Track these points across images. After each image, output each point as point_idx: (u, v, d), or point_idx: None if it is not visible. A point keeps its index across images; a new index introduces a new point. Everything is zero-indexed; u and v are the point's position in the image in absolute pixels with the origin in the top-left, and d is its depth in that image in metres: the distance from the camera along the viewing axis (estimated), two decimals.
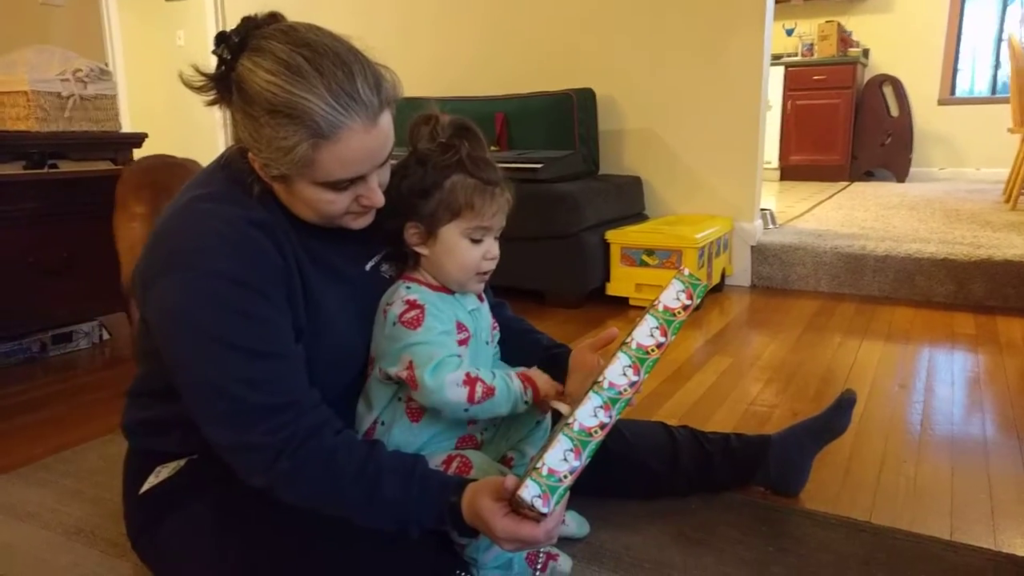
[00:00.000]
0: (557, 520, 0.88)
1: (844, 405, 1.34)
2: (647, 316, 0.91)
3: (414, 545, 0.95)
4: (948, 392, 1.88)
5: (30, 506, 1.35)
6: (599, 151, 3.26)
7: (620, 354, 0.89)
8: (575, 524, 1.21)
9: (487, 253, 1.08)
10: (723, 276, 3.10)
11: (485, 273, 1.10)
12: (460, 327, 1.09)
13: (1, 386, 2.04)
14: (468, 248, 1.06)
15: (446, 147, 1.04)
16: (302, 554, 0.91)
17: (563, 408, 1.03)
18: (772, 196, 4.84)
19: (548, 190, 2.75)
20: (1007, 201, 4.26)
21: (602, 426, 0.86)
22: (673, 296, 0.92)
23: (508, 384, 1.03)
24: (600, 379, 0.88)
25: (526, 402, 1.05)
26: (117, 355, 2.35)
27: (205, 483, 1.01)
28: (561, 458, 0.83)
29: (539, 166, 2.82)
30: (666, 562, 1.15)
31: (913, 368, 2.08)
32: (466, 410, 1.01)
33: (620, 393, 0.87)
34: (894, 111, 5.84)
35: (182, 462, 1.06)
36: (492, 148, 3.09)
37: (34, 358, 2.27)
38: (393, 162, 1.03)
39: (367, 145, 0.91)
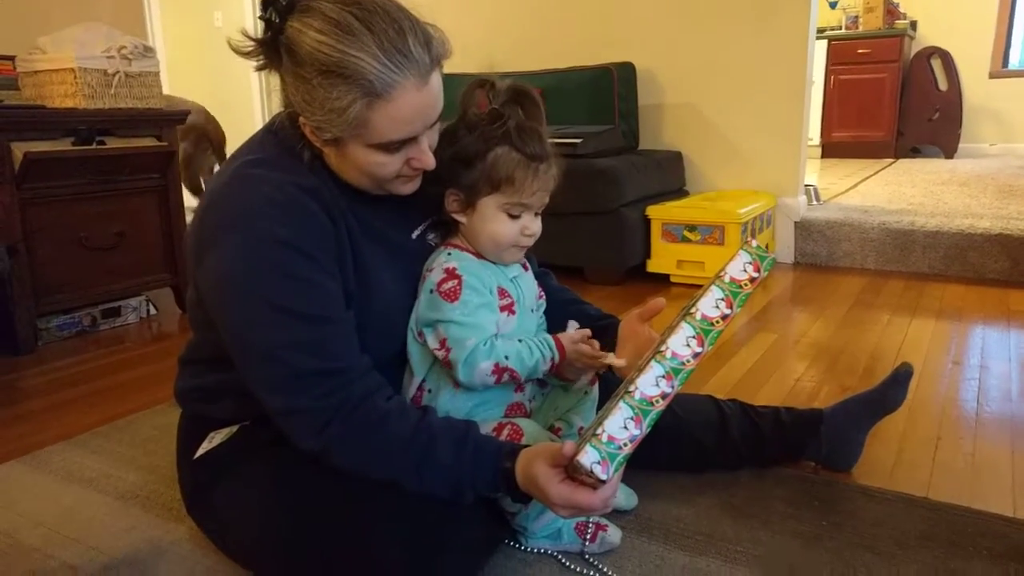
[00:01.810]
0: (613, 488, 0.87)
1: (900, 379, 1.31)
2: (712, 287, 0.89)
3: (465, 512, 0.95)
4: (1004, 369, 1.82)
5: (87, 472, 1.38)
6: (639, 126, 3.21)
7: (684, 324, 0.87)
8: (623, 496, 1.20)
9: (525, 229, 1.06)
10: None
11: (521, 246, 1.09)
12: (502, 293, 1.08)
13: (54, 359, 2.08)
14: (505, 222, 1.05)
15: (496, 115, 1.02)
16: (354, 518, 0.91)
17: (615, 361, 1.05)
18: (815, 173, 4.74)
19: (588, 165, 2.72)
20: None
21: (664, 396, 0.84)
22: (740, 268, 0.89)
23: (536, 366, 1.04)
24: (663, 348, 0.86)
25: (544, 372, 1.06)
26: (164, 330, 2.39)
27: (258, 448, 1.02)
28: (621, 425, 0.82)
29: (578, 141, 2.80)
30: (717, 535, 1.14)
31: (967, 345, 2.02)
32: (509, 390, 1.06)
33: (683, 364, 0.86)
34: (943, 85, 5.66)
35: (235, 428, 1.07)
36: None
37: (85, 332, 2.32)
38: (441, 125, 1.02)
39: (419, 104, 0.90)
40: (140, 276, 2.42)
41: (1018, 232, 2.68)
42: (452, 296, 1.03)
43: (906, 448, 1.42)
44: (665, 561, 1.07)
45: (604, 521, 1.10)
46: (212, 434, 1.08)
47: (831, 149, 5.93)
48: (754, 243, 0.92)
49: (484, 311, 1.04)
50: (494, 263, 1.09)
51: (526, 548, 1.09)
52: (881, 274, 2.88)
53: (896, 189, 3.91)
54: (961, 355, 1.94)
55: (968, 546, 1.09)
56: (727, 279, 0.89)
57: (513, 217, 1.05)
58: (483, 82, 1.05)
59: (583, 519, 1.08)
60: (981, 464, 1.36)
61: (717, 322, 0.88)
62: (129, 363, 2.05)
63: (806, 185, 3.28)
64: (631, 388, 0.84)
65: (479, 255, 1.08)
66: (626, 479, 1.18)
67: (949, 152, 5.74)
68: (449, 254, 1.07)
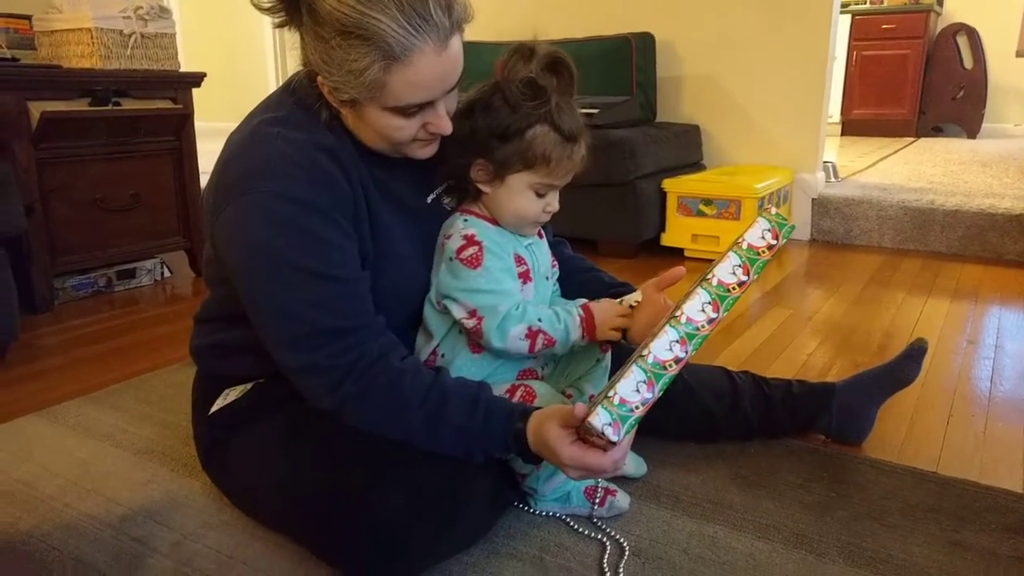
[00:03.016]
0: (624, 450, 0.88)
1: (915, 354, 1.30)
2: (730, 253, 0.88)
3: (476, 472, 0.96)
4: (1019, 349, 1.81)
5: (104, 427, 1.40)
6: (657, 97, 3.18)
7: (700, 290, 0.87)
8: (633, 464, 1.20)
9: (547, 206, 1.06)
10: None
11: (540, 223, 1.09)
12: (519, 260, 1.08)
13: (71, 318, 2.11)
14: (531, 200, 1.05)
15: (537, 91, 0.99)
16: (365, 475, 0.92)
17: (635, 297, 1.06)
18: (833, 150, 4.68)
19: (604, 136, 2.69)
20: None
21: (677, 360, 0.84)
22: (758, 235, 0.88)
23: (568, 332, 1.05)
24: (678, 313, 0.86)
25: (580, 343, 1.06)
26: (178, 293, 2.41)
27: (273, 404, 1.03)
28: (634, 388, 0.82)
29: (595, 111, 2.77)
30: (725, 503, 1.14)
31: (982, 325, 2.00)
32: (524, 356, 1.05)
33: (698, 329, 0.85)
34: (968, 63, 5.56)
35: (250, 385, 1.08)
36: None
37: (100, 292, 2.34)
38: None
39: (438, 68, 0.89)
40: (155, 238, 2.43)
41: None
42: (474, 263, 1.02)
43: (917, 424, 1.42)
44: (672, 527, 1.08)
45: (613, 486, 1.11)
46: (227, 391, 1.09)
47: (851, 126, 5.85)
48: (773, 210, 0.91)
49: (507, 276, 1.04)
50: (510, 232, 1.09)
51: (536, 511, 1.10)
52: (898, 253, 2.85)
53: (916, 168, 3.86)
54: (976, 335, 1.92)
55: (976, 520, 1.09)
56: (745, 246, 0.89)
57: (539, 195, 1.05)
58: (527, 52, 1.02)
59: (592, 483, 1.09)
60: (992, 441, 1.35)
61: (733, 288, 0.88)
62: (144, 323, 2.07)
63: (824, 162, 3.25)
64: (644, 352, 0.84)
65: (495, 222, 1.08)
66: (636, 447, 1.19)
67: (972, 132, 5.65)
68: (466, 220, 1.07)
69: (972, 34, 5.51)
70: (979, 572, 0.98)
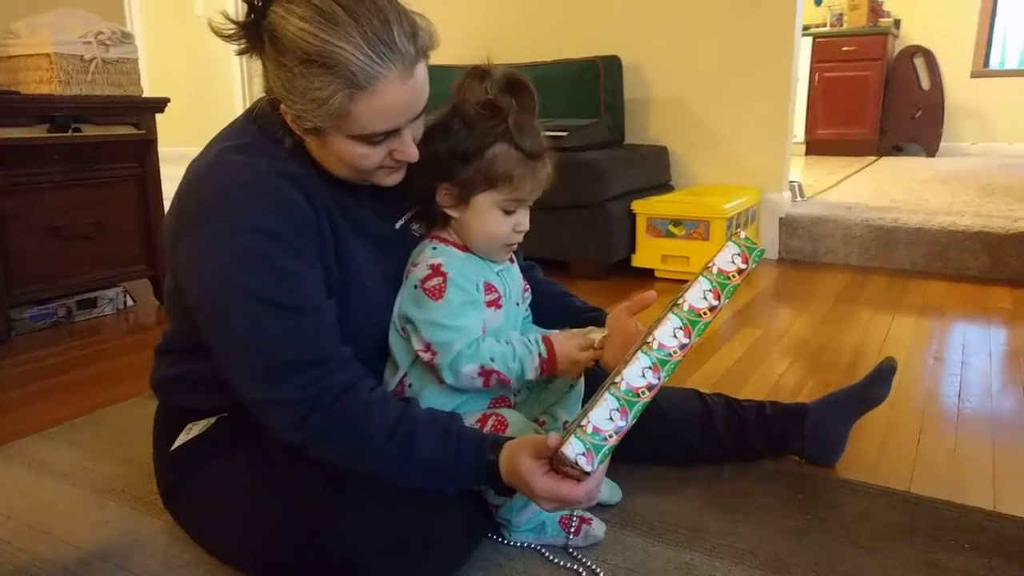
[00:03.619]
0: (598, 480, 0.86)
1: (884, 374, 1.30)
2: (700, 278, 0.88)
3: (448, 505, 0.94)
4: (985, 365, 1.84)
5: (61, 464, 1.35)
6: (625, 120, 3.20)
7: (671, 315, 0.86)
8: (608, 491, 1.19)
9: (517, 225, 1.05)
10: None
11: (512, 245, 1.07)
12: (489, 288, 1.07)
13: (28, 350, 2.04)
14: (499, 219, 1.03)
15: (494, 110, 0.99)
16: (333, 511, 0.89)
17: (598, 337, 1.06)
18: (799, 170, 4.76)
19: (573, 158, 2.70)
20: None
21: (650, 387, 0.83)
22: (728, 259, 0.88)
23: (523, 370, 1.03)
24: (649, 340, 0.85)
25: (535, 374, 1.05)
26: (141, 321, 2.35)
27: (236, 439, 1.00)
28: (607, 417, 0.81)
29: (564, 134, 2.78)
30: (701, 528, 1.13)
31: (948, 341, 2.03)
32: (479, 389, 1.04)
33: (670, 355, 0.85)
34: (925, 84, 5.71)
35: (213, 419, 1.05)
36: None
37: (60, 323, 2.28)
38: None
39: (403, 97, 0.88)
40: (117, 267, 2.38)
41: (998, 230, 2.70)
42: (436, 294, 1.01)
43: (889, 443, 1.42)
44: (649, 555, 1.06)
45: (588, 515, 1.09)
46: (190, 425, 1.06)
47: (815, 146, 5.96)
48: (743, 234, 0.91)
49: (469, 309, 1.03)
50: (481, 258, 1.07)
51: (510, 542, 1.08)
52: (864, 270, 2.89)
53: (879, 187, 3.94)
54: (942, 351, 1.95)
55: (950, 539, 1.09)
56: (715, 270, 0.88)
57: (508, 213, 1.03)
58: (481, 73, 1.02)
59: (567, 512, 1.07)
60: (962, 458, 1.36)
61: (704, 313, 0.87)
62: (105, 354, 2.01)
63: (790, 181, 3.29)
64: (617, 379, 0.83)
65: (466, 249, 1.06)
66: (610, 473, 1.17)
67: (931, 151, 5.79)
68: (435, 248, 1.06)
69: (928, 56, 5.66)
70: None
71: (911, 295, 2.51)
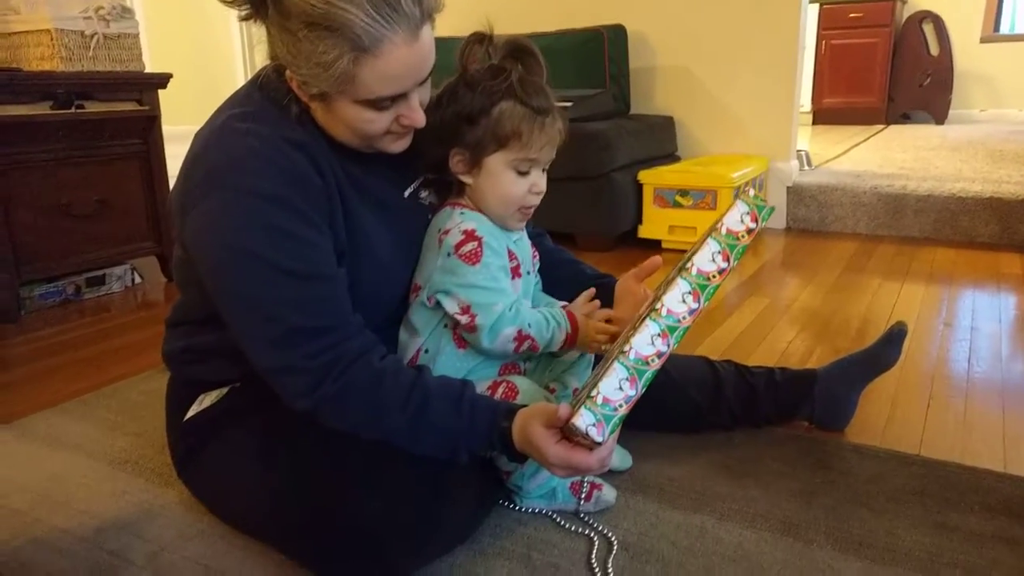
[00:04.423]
0: (610, 448, 0.86)
1: (894, 338, 1.30)
2: (708, 240, 0.86)
3: (460, 473, 0.94)
4: (995, 330, 1.83)
5: (74, 438, 1.36)
6: (630, 90, 3.17)
7: (679, 280, 0.84)
8: (618, 457, 1.19)
9: (533, 187, 1.04)
10: None
11: (528, 208, 1.06)
12: (511, 255, 1.06)
13: (39, 327, 2.05)
14: (513, 180, 1.02)
15: (497, 70, 0.99)
16: (346, 480, 0.90)
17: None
18: (806, 139, 4.72)
19: (579, 129, 2.68)
20: None
21: (659, 355, 0.82)
22: (737, 219, 0.86)
23: (552, 341, 1.04)
24: (658, 306, 0.84)
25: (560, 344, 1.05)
26: (149, 298, 2.36)
27: (249, 409, 1.00)
28: (616, 387, 0.81)
29: (569, 104, 2.75)
30: (711, 493, 1.13)
31: (958, 308, 2.02)
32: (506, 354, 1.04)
33: (679, 321, 0.83)
34: (934, 50, 5.62)
35: (225, 390, 1.05)
36: None
37: (69, 301, 2.29)
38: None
39: (409, 59, 0.87)
40: (124, 244, 2.38)
41: (1008, 196, 2.67)
42: (472, 259, 1.00)
43: (898, 407, 1.42)
44: (660, 519, 1.07)
45: (599, 480, 1.10)
46: (202, 396, 1.06)
47: (822, 115, 5.90)
48: (752, 192, 0.90)
49: (503, 274, 1.03)
50: (499, 226, 1.07)
51: (521, 508, 1.09)
52: (872, 238, 2.87)
53: (887, 154, 3.90)
54: (952, 317, 1.94)
55: (960, 501, 1.10)
56: (724, 231, 0.86)
57: (521, 174, 1.02)
58: (481, 37, 1.01)
59: (578, 478, 1.08)
60: (972, 422, 1.36)
61: (713, 276, 0.86)
62: (115, 331, 2.02)
63: (798, 150, 3.26)
64: (626, 348, 0.83)
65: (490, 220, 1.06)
66: (620, 440, 1.17)
67: (940, 118, 5.72)
68: (463, 213, 1.05)
69: (937, 21, 5.58)
70: (965, 553, 0.98)
71: (920, 262, 2.50)
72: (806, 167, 3.35)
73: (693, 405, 1.26)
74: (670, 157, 3.15)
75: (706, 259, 0.86)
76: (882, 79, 5.64)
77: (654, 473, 1.19)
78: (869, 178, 3.08)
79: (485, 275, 1.00)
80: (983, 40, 5.76)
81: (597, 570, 0.96)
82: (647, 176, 2.80)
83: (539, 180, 1.04)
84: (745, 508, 1.09)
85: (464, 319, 1.00)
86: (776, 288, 2.26)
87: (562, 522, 1.06)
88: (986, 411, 1.40)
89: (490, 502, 1.07)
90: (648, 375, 0.82)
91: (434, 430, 0.90)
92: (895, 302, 2.07)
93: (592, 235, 2.81)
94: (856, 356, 1.32)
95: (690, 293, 0.85)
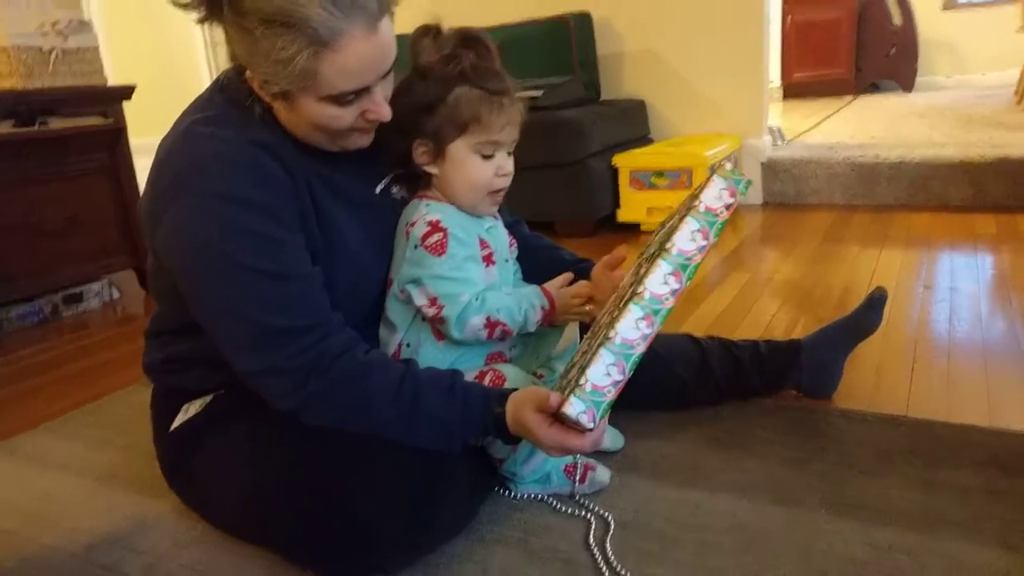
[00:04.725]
0: (602, 429, 0.87)
1: (875, 303, 1.31)
2: (688, 218, 0.85)
3: (452, 464, 0.94)
4: (974, 289, 1.85)
5: (60, 457, 1.35)
6: (600, 76, 3.17)
7: (661, 262, 0.84)
8: (610, 438, 1.19)
9: (500, 169, 1.04)
10: None
11: (498, 192, 1.06)
12: (483, 244, 1.06)
13: (18, 348, 2.02)
14: (479, 164, 1.02)
15: (449, 58, 0.99)
16: (339, 479, 0.89)
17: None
18: (778, 114, 4.74)
19: (551, 117, 2.68)
20: (1018, 103, 4.16)
21: (644, 338, 0.83)
22: (715, 195, 0.86)
23: (527, 322, 1.04)
24: (640, 289, 0.84)
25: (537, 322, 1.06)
26: (129, 312, 2.34)
27: (235, 414, 0.99)
28: (604, 373, 0.81)
29: (540, 93, 2.75)
30: (704, 468, 1.14)
31: (936, 270, 2.04)
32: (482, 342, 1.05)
33: (662, 303, 0.83)
34: (897, 20, 5.66)
35: (209, 397, 1.04)
36: None
37: (47, 320, 2.26)
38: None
39: (369, 52, 0.86)
40: (98, 259, 2.35)
41: (978, 159, 2.70)
42: (438, 250, 1.00)
43: (884, 370, 1.43)
44: (655, 496, 1.07)
45: (592, 461, 1.10)
46: (187, 405, 1.05)
47: (793, 90, 5.92)
48: (728, 166, 0.91)
49: (471, 263, 1.02)
50: (470, 215, 1.06)
51: (516, 495, 1.09)
52: (848, 208, 2.90)
53: (858, 125, 3.93)
54: (931, 280, 1.96)
55: (948, 458, 1.11)
56: (702, 208, 0.86)
57: (486, 157, 1.02)
58: (428, 29, 1.01)
59: (572, 460, 1.08)
60: (956, 380, 1.38)
61: (694, 256, 0.85)
62: (95, 347, 1.99)
63: (770, 126, 3.28)
64: (611, 334, 0.82)
65: (456, 206, 1.05)
66: (611, 420, 1.18)
67: (907, 86, 5.77)
68: (428, 205, 1.04)
69: None
70: (954, 507, 0.99)
71: (897, 228, 2.52)
72: (779, 142, 3.37)
73: (680, 381, 1.26)
74: (643, 140, 3.16)
75: (686, 239, 0.85)
76: (848, 51, 5.68)
77: (647, 451, 1.19)
78: (842, 149, 3.10)
79: (450, 265, 1.00)
80: (945, 8, 5.82)
81: (595, 551, 0.96)
82: (622, 160, 2.81)
83: (505, 163, 1.04)
84: (738, 479, 1.10)
85: (432, 311, 1.00)
86: (756, 263, 2.28)
87: (558, 505, 1.06)
88: (969, 369, 1.42)
89: (484, 492, 1.07)
90: (634, 359, 0.83)
91: (428, 420, 0.90)
92: (875, 269, 2.09)
93: (571, 222, 2.81)
94: (839, 323, 1.33)
95: (672, 274, 0.84)
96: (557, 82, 2.88)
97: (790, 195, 3.06)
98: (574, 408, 0.81)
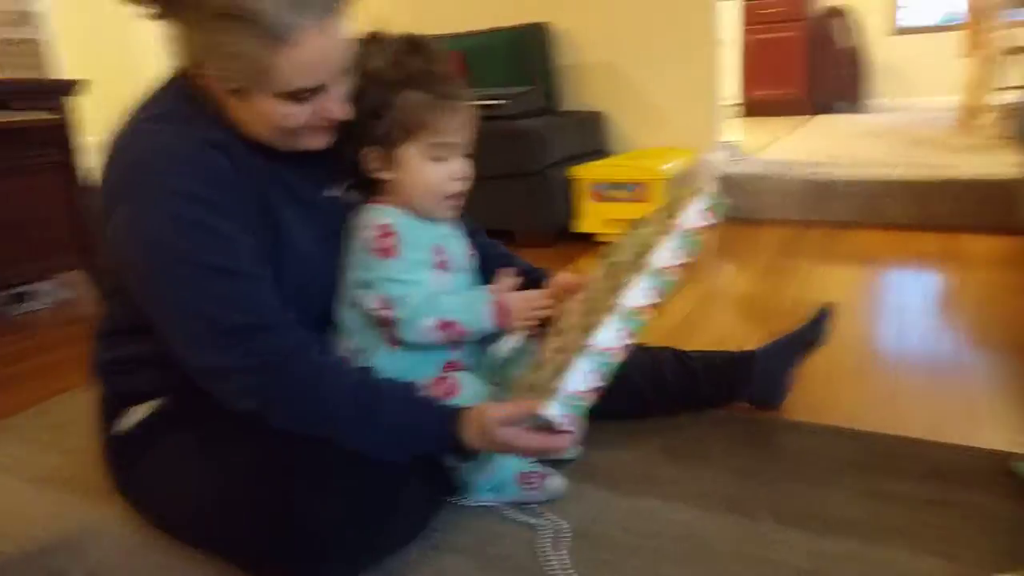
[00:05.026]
0: (580, 430, 0.90)
1: (823, 317, 1.35)
2: (668, 236, 0.90)
3: (408, 471, 0.94)
4: (919, 305, 1.91)
5: (5, 460, 1.31)
6: (558, 87, 3.20)
7: (640, 276, 0.88)
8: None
9: (454, 173, 1.04)
10: None
11: (455, 196, 1.06)
12: (438, 250, 1.06)
13: None
14: (432, 169, 1.02)
15: (396, 63, 0.99)
16: (292, 483, 0.88)
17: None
18: (736, 130, 4.83)
19: (512, 127, 2.70)
20: (962, 126, 4.32)
21: (623, 347, 0.87)
22: (696, 216, 0.90)
23: (480, 322, 1.04)
24: (619, 300, 0.87)
25: (493, 328, 1.06)
26: (78, 313, 2.27)
27: (185, 418, 0.98)
28: (582, 380, 0.86)
29: (503, 102, 2.77)
30: (660, 476, 1.16)
31: (884, 286, 2.11)
32: (441, 347, 1.05)
33: (640, 314, 0.88)
34: (848, 42, 5.84)
35: (156, 402, 1.02)
36: None
37: None
38: None
39: (324, 47, 0.86)
40: (48, 258, 2.28)
41: (924, 178, 2.80)
42: (388, 252, 1.00)
43: (832, 383, 1.47)
44: (609, 505, 1.09)
45: (548, 469, 1.11)
46: (133, 408, 1.03)
47: (752, 108, 6.03)
48: (709, 189, 0.94)
49: (421, 268, 1.02)
50: (425, 220, 1.06)
51: (471, 503, 1.09)
52: (802, 224, 2.96)
53: (814, 143, 4.03)
54: (879, 296, 2.02)
55: (892, 469, 1.14)
56: (684, 227, 0.90)
57: (439, 161, 1.02)
58: (374, 36, 1.01)
59: (527, 468, 1.08)
60: (901, 394, 1.42)
61: (673, 272, 0.90)
62: (43, 348, 1.94)
63: (728, 142, 3.35)
64: (589, 342, 0.86)
65: (409, 211, 1.05)
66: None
67: (858, 107, 5.94)
68: (379, 210, 1.04)
69: (848, 15, 5.79)
70: (900, 518, 1.02)
71: (847, 245, 2.59)
72: (737, 158, 3.44)
73: (637, 392, 1.28)
74: (601, 152, 3.19)
75: (666, 255, 0.89)
76: (802, 71, 5.83)
77: (602, 459, 1.20)
78: (797, 167, 3.18)
79: (400, 267, 1.00)
80: (892, 32, 6.01)
81: (551, 559, 0.97)
82: (580, 171, 2.83)
83: (459, 167, 1.04)
84: (691, 489, 1.12)
85: (382, 314, 1.00)
86: (711, 276, 2.32)
87: (512, 514, 1.07)
88: (913, 383, 1.47)
89: (439, 500, 1.07)
90: (611, 367, 0.88)
91: (382, 429, 0.90)
92: (826, 284, 2.14)
93: (531, 232, 2.83)
94: (789, 336, 1.36)
95: (652, 289, 0.89)
96: (518, 91, 2.90)
97: (745, 210, 3.12)
98: (550, 411, 0.84)
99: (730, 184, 3.12)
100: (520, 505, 1.08)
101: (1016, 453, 1.10)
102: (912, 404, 1.37)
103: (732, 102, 5.80)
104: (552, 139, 2.75)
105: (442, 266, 1.07)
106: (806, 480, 1.13)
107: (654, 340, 1.71)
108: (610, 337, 0.86)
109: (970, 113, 4.18)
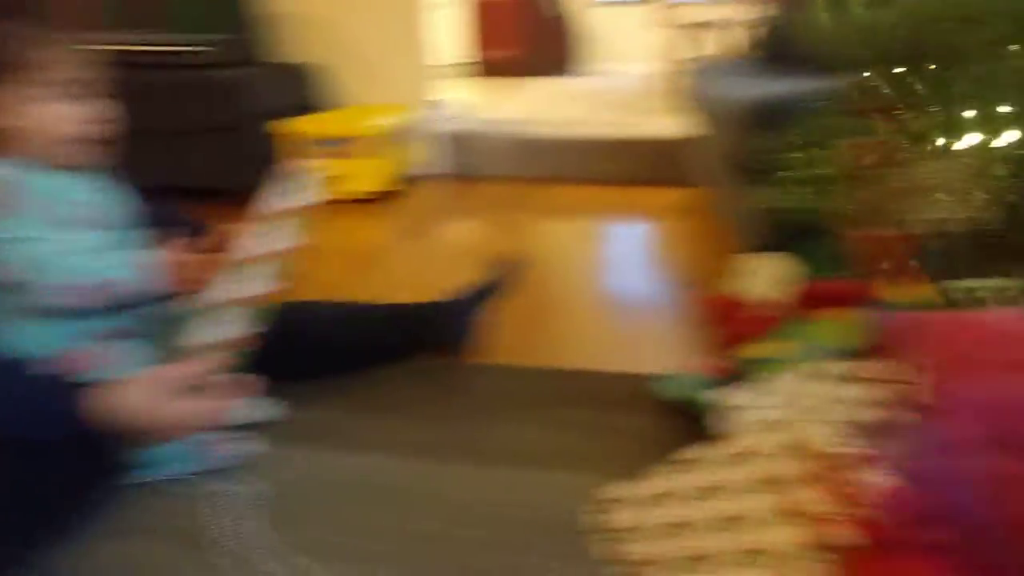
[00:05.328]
0: (231, 393, 0.85)
1: (508, 266, 1.43)
2: (261, 222, 0.89)
3: (57, 451, 0.84)
4: (623, 253, 2.13)
5: None
6: (265, 36, 3.01)
7: (242, 264, 0.91)
8: (264, 409, 1.15)
9: (74, 115, 0.95)
10: (403, 167, 3.08)
11: (85, 141, 0.97)
12: (71, 203, 0.97)
13: None
14: (44, 111, 0.93)
15: None
16: None
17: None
18: (460, 89, 4.92)
19: (210, 77, 2.49)
20: (652, 92, 4.81)
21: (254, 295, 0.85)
22: (286, 197, 0.91)
23: (132, 281, 0.96)
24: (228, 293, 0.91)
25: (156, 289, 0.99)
26: None
27: None
28: (221, 331, 0.86)
29: (200, 49, 2.54)
30: (358, 430, 1.16)
31: (592, 235, 2.31)
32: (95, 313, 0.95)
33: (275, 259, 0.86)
34: (556, 11, 6.22)
35: None
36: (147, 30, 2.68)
37: None
38: None
39: None
40: None
41: (630, 137, 3.09)
42: (4, 212, 0.88)
43: (534, 326, 1.56)
44: (313, 463, 1.08)
45: (235, 435, 1.05)
46: None
47: (491, 68, 6.20)
48: (304, 168, 0.94)
49: (49, 223, 0.91)
50: (53, 172, 0.95)
51: (152, 479, 1.00)
52: (515, 180, 3.10)
53: (527, 104, 4.27)
54: (587, 245, 2.20)
55: (579, 401, 1.23)
56: (272, 212, 0.91)
57: (49, 101, 0.93)
58: None
59: (212, 436, 1.02)
60: (602, 333, 1.56)
61: (265, 255, 0.89)
62: None
63: (440, 101, 3.39)
64: (209, 300, 0.88)
65: (31, 165, 0.94)
66: (266, 391, 1.14)
67: (569, 72, 6.36)
68: None
69: None
70: (582, 443, 1.12)
71: (561, 199, 2.76)
72: (450, 117, 3.50)
73: (328, 347, 1.26)
74: (307, 107, 3.05)
75: (257, 241, 0.94)
76: (517, 36, 6.10)
77: (302, 419, 1.18)
78: (510, 125, 3.34)
79: (21, 224, 0.89)
80: (593, 3, 6.52)
81: (249, 523, 0.93)
82: (283, 127, 2.70)
83: (85, 108, 0.96)
84: (391, 439, 1.14)
85: (9, 278, 0.89)
86: (426, 232, 2.35)
87: (207, 484, 1.00)
88: (612, 324, 1.61)
89: (109, 480, 0.97)
90: (246, 314, 0.89)
91: (11, 403, 0.79)
92: (540, 237, 2.28)
93: (228, 190, 2.61)
94: (476, 284, 1.40)
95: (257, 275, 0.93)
96: (217, 39, 2.67)
97: (458, 167, 3.20)
98: (195, 366, 0.85)
99: (443, 142, 3.18)
100: (209, 472, 1.01)
101: (656, 375, 1.23)
102: (609, 342, 1.51)
103: (460, 61, 5.92)
104: (251, 91, 2.58)
105: (82, 221, 0.96)
106: (500, 418, 1.19)
107: (364, 295, 1.71)
108: (228, 287, 0.86)
109: (659, 80, 4.68)
